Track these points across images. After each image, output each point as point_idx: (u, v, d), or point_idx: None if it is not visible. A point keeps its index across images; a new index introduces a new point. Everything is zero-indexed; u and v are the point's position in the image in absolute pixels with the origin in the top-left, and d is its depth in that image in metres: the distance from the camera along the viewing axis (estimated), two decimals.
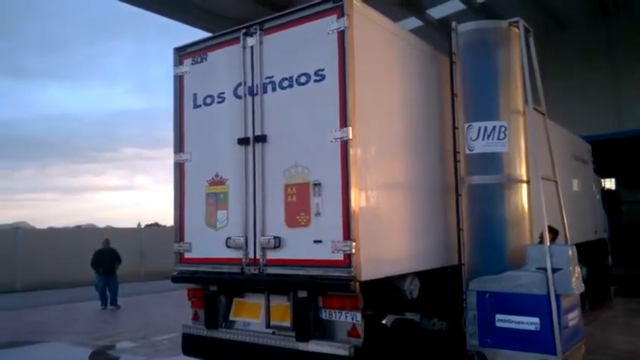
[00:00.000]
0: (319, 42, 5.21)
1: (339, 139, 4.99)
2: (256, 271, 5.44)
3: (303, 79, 5.32)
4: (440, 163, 6.94)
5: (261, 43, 5.66)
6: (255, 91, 5.64)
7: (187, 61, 6.28)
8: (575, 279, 5.81)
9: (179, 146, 6.25)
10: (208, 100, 6.06)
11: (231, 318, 5.82)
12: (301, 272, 5.13)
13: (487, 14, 17.27)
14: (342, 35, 5.05)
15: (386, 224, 5.45)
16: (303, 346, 5.05)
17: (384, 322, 6.21)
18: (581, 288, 6.08)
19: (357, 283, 4.83)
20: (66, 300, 14.60)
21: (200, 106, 6.13)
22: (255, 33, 5.68)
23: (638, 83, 16.95)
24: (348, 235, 4.87)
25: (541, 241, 6.42)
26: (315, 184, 5.12)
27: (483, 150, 6.50)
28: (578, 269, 6.01)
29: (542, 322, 5.60)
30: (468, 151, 6.58)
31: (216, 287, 5.85)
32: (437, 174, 6.82)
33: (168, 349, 7.50)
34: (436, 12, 17.64)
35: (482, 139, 6.50)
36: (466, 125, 6.61)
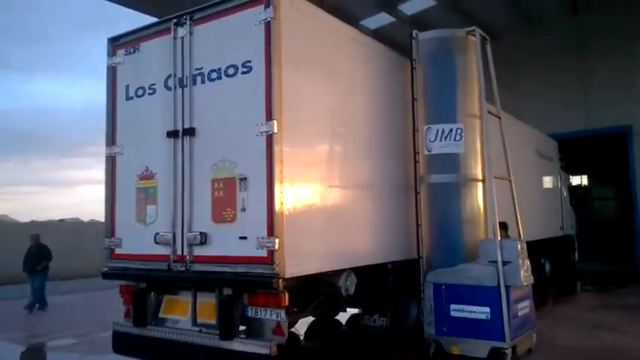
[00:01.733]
0: (247, 33, 5.07)
1: (264, 133, 4.86)
2: (183, 268, 5.30)
3: (231, 71, 5.17)
4: (389, 162, 6.93)
5: (191, 33, 5.50)
6: (184, 82, 5.48)
7: (121, 52, 6.10)
8: (524, 271, 6.15)
9: (111, 139, 6.06)
10: (140, 92, 5.88)
11: (161, 315, 5.67)
12: (227, 269, 5.00)
13: (459, 11, 17.24)
14: (268, 26, 4.91)
15: (316, 220, 5.32)
16: (227, 345, 4.92)
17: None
18: (530, 280, 6.45)
19: (280, 281, 4.71)
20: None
21: (132, 98, 5.95)
22: (186, 23, 5.51)
23: (606, 81, 17.00)
24: (271, 231, 4.74)
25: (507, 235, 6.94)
26: (241, 179, 4.98)
27: (441, 151, 6.93)
28: (527, 262, 6.34)
29: (493, 312, 5.99)
30: (426, 152, 7.02)
31: (145, 284, 5.69)
32: (384, 172, 6.79)
33: (106, 345, 7.31)
34: (408, 8, 17.53)
35: (440, 141, 6.93)
36: (425, 127, 6.99)
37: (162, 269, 5.43)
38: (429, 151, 7.00)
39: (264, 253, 4.76)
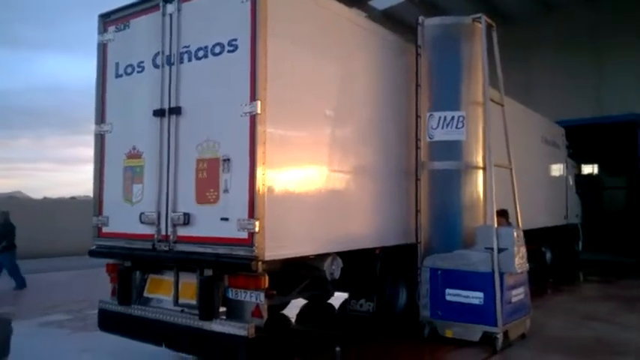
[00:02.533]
0: (234, 10, 4.97)
1: (248, 114, 4.78)
2: (167, 248, 5.29)
3: (217, 50, 5.09)
4: (387, 148, 6.86)
5: (179, 10, 5.40)
6: (172, 60, 5.41)
7: (111, 29, 6.03)
8: (519, 259, 6.25)
9: (100, 117, 6.03)
10: (129, 70, 5.83)
11: (145, 294, 5.68)
12: (209, 250, 4.97)
13: (429, 5, 16.84)
14: (254, 3, 4.81)
15: (300, 204, 5.27)
16: (206, 325, 4.91)
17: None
18: (525, 267, 6.56)
19: (260, 263, 4.67)
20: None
21: (121, 75, 5.89)
22: (174, 0, 5.42)
23: (620, 69, 16.62)
24: (252, 213, 4.69)
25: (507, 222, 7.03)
26: (225, 160, 4.93)
27: (443, 138, 6.97)
28: (523, 250, 6.44)
29: (486, 297, 6.12)
30: (428, 139, 7.03)
31: (130, 263, 5.69)
32: (381, 158, 6.73)
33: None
34: (379, 3, 17.22)
35: (442, 128, 6.97)
36: (428, 114, 7.03)
37: (147, 248, 5.42)
38: (431, 138, 7.04)
39: (244, 235, 4.73)
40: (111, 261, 5.93)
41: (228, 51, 4.99)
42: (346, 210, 6.00)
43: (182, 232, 5.21)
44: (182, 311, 5.23)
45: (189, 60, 5.29)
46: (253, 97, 4.75)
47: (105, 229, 5.92)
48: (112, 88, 5.98)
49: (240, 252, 4.73)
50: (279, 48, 4.96)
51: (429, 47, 7.18)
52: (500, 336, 6.10)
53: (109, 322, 5.82)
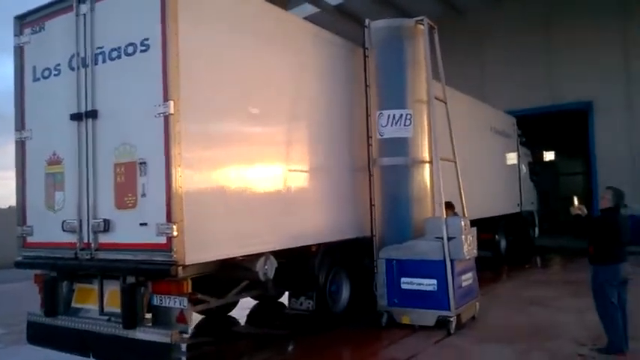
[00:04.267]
0: (145, 10, 4.84)
1: (161, 114, 4.66)
2: (88, 256, 5.13)
3: (130, 50, 4.94)
4: (327, 145, 6.87)
5: (92, 10, 5.24)
6: (87, 62, 5.24)
7: (27, 31, 5.80)
8: (467, 246, 6.62)
9: (20, 123, 5.80)
10: (46, 73, 5.62)
11: (73, 305, 5.50)
12: (129, 257, 4.84)
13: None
14: (164, 1, 4.68)
15: (223, 205, 5.16)
16: (130, 334, 4.79)
17: None
18: (473, 254, 6.94)
19: (180, 268, 4.57)
20: None
21: (39, 79, 5.69)
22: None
23: (571, 57, 16.92)
24: (170, 217, 4.58)
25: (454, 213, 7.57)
26: (141, 163, 4.80)
27: (392, 135, 7.32)
28: (470, 237, 6.79)
29: (439, 283, 6.47)
30: (379, 136, 7.37)
31: (55, 273, 5.52)
32: (318, 154, 6.71)
33: None
34: None
35: (391, 126, 7.29)
36: (377, 113, 7.36)
37: (69, 257, 5.25)
38: (382, 136, 7.36)
39: (163, 240, 4.61)
40: (38, 272, 5.74)
41: (141, 51, 4.86)
42: (279, 209, 5.92)
43: (103, 239, 5.07)
44: (109, 320, 5.09)
45: (104, 61, 5.14)
46: (166, 97, 4.63)
47: (29, 239, 5.71)
48: (31, 92, 5.77)
49: (159, 257, 4.62)
50: (193, 46, 4.85)
51: (375, 48, 7.49)
52: (453, 319, 6.39)
53: (37, 334, 5.63)
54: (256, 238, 5.53)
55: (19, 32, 5.86)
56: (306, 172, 6.48)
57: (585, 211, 5.74)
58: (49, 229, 5.50)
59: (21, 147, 5.80)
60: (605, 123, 16.50)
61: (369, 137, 7.37)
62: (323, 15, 17.85)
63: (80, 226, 5.20)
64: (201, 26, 5.01)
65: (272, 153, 5.95)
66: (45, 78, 5.63)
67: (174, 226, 4.55)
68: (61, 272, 5.48)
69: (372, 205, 7.32)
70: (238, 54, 5.53)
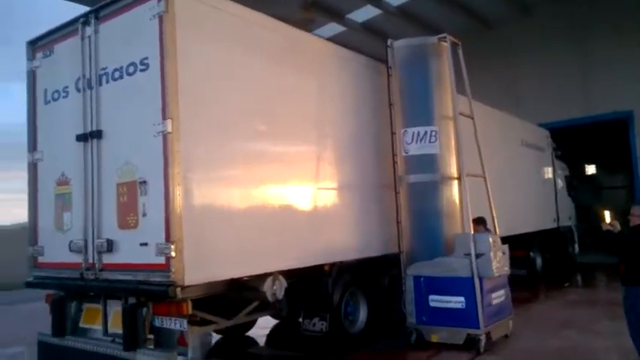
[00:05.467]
0: (144, 29, 4.84)
1: (160, 133, 4.62)
2: (93, 277, 5.10)
3: (131, 70, 4.96)
4: (344, 164, 6.79)
5: (96, 32, 5.30)
6: (92, 83, 5.28)
7: (39, 55, 5.93)
8: (497, 263, 6.46)
9: (32, 145, 5.90)
10: (56, 96, 5.72)
11: (81, 325, 5.50)
12: (129, 277, 4.79)
13: (409, 16, 16.81)
14: (161, 20, 4.67)
15: (227, 224, 5.05)
16: (130, 356, 4.71)
17: None
18: (503, 271, 6.76)
19: (178, 289, 4.47)
20: None
21: (49, 102, 5.79)
22: (92, 22, 5.31)
23: (605, 66, 16.29)
24: (169, 236, 4.51)
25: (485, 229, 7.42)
26: (141, 182, 4.77)
27: (417, 152, 7.28)
28: (500, 254, 6.64)
29: (467, 301, 6.34)
30: (404, 154, 7.35)
31: (64, 293, 5.52)
32: (336, 174, 6.61)
33: None
34: (358, 16, 17.14)
35: (416, 143, 7.26)
36: (402, 130, 7.35)
37: (75, 277, 5.25)
38: (407, 153, 7.33)
39: (162, 260, 4.54)
40: (50, 292, 5.76)
41: (141, 70, 4.86)
42: (287, 227, 5.77)
43: (107, 259, 5.04)
44: (112, 341, 5.04)
45: (107, 82, 5.17)
46: (164, 116, 4.60)
47: (40, 259, 5.76)
48: (42, 115, 5.87)
49: (158, 278, 4.54)
50: (191, 64, 4.81)
51: (399, 67, 7.50)
52: (482, 337, 6.27)
53: (46, 354, 5.64)
54: (263, 258, 5.38)
55: (31, 57, 5.99)
56: (317, 191, 6.32)
57: (618, 227, 5.41)
58: (58, 250, 5.52)
59: (33, 169, 5.88)
60: None
61: (394, 155, 7.35)
62: (350, 33, 17.85)
63: (86, 246, 5.20)
64: (203, 45, 4.97)
65: (278, 172, 5.82)
66: (55, 100, 5.72)
67: (173, 246, 4.46)
68: (69, 292, 5.49)
69: (398, 222, 7.22)
70: (243, 73, 5.47)
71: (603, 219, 5.43)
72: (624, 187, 21.48)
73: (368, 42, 15.47)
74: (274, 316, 7.31)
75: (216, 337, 7.59)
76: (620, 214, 5.64)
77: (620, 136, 17.02)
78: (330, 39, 17.03)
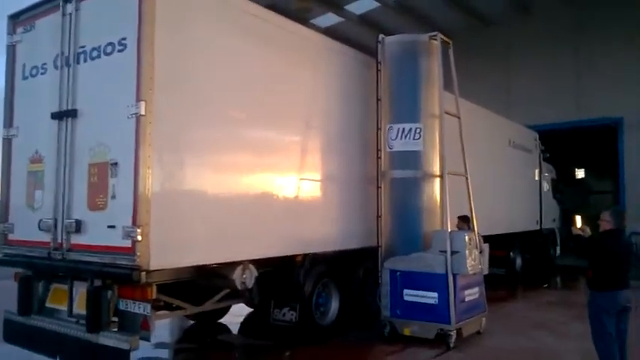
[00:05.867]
0: (123, 9, 4.77)
1: (134, 115, 4.57)
2: (60, 257, 5.06)
3: (109, 49, 4.89)
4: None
5: (77, 9, 5.21)
6: (70, 61, 5.21)
7: (19, 30, 5.83)
8: (471, 260, 6.59)
9: (8, 121, 5.82)
10: (34, 72, 5.62)
11: (47, 305, 5.45)
12: (96, 259, 4.75)
13: (406, 9, 16.74)
14: (142, 1, 4.60)
15: (198, 210, 5.02)
16: (93, 338, 4.69)
17: None
18: (478, 269, 6.91)
19: (143, 273, 4.44)
20: None
21: (27, 77, 5.69)
22: None
23: (599, 71, 16.31)
24: (136, 220, 4.47)
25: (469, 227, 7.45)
26: (113, 164, 4.72)
27: (400, 148, 7.33)
28: (475, 252, 6.77)
29: (440, 297, 6.47)
30: (388, 149, 7.41)
31: (31, 272, 5.48)
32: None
33: None
34: (356, 8, 17.12)
35: (400, 139, 7.30)
36: (387, 126, 7.40)
37: (43, 257, 5.20)
38: (391, 148, 7.38)
39: (128, 244, 4.50)
40: (19, 270, 5.71)
41: (118, 50, 4.79)
42: (263, 217, 5.76)
43: (75, 239, 5.00)
44: (76, 322, 5.00)
45: (85, 61, 5.10)
46: (138, 98, 4.54)
47: (10, 236, 5.70)
48: (19, 90, 5.79)
49: (123, 261, 4.51)
50: (170, 46, 4.76)
51: (388, 63, 7.52)
52: (453, 333, 6.37)
53: (12, 333, 5.58)
54: (233, 246, 5.37)
55: (12, 31, 5.89)
56: (299, 180, 6.32)
57: (588, 232, 5.41)
58: (28, 227, 5.45)
59: (7, 145, 5.81)
60: (635, 140, 15.81)
61: (378, 150, 7.37)
62: (347, 25, 17.76)
63: (55, 225, 5.14)
64: (183, 29, 4.91)
65: (256, 160, 5.79)
66: (33, 76, 5.64)
67: (139, 230, 4.43)
68: (36, 271, 5.44)
69: (378, 217, 7.27)
70: (224, 59, 5.41)
71: (574, 223, 5.45)
72: (611, 193, 21.59)
73: (364, 35, 15.39)
74: (248, 304, 7.29)
75: (189, 323, 7.60)
76: (591, 219, 5.65)
77: (609, 141, 17.08)
78: (327, 29, 17.05)
